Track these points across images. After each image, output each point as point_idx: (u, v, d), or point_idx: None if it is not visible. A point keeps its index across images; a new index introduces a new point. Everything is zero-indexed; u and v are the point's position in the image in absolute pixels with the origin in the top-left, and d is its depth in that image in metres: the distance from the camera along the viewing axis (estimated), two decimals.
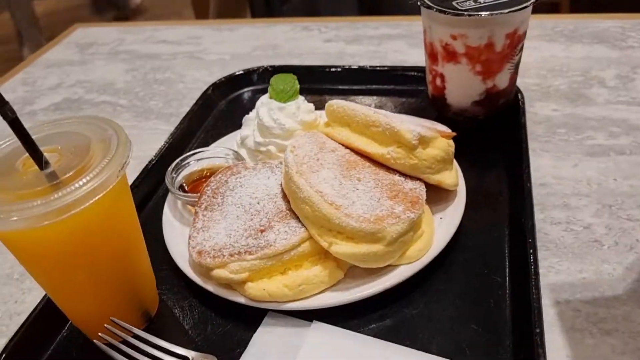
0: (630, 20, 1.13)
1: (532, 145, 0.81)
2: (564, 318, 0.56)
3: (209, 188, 0.68)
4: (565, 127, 0.85)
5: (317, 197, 0.58)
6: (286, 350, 0.56)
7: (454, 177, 0.67)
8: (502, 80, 0.78)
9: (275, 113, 0.74)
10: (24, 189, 0.47)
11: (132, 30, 1.46)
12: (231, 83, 1.03)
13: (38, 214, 0.45)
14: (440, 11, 0.72)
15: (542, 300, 0.58)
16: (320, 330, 0.57)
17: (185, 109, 0.99)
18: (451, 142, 0.68)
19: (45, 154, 0.49)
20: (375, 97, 0.98)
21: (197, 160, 0.77)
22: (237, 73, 1.04)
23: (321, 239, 0.58)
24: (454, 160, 0.72)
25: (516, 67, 0.79)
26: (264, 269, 0.58)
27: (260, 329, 0.58)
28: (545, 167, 0.77)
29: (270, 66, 1.04)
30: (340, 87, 1.00)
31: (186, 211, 0.73)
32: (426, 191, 0.65)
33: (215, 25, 1.42)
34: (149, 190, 0.81)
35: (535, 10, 0.75)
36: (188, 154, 0.77)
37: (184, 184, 0.75)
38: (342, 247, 0.57)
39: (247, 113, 0.80)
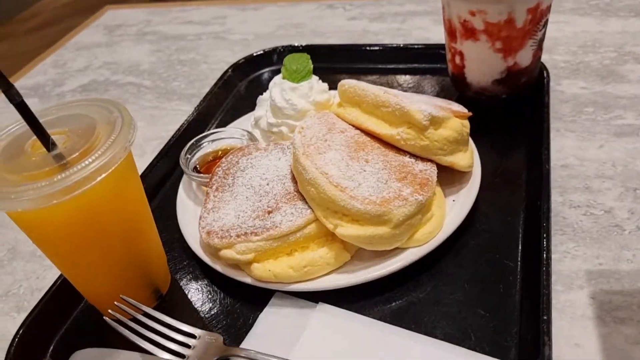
0: None
1: (557, 125, 0.78)
2: (576, 305, 0.54)
3: (220, 169, 0.69)
4: (593, 106, 0.81)
5: (322, 179, 0.57)
6: (291, 331, 0.56)
7: (468, 158, 0.65)
8: (524, 58, 0.75)
9: (288, 93, 0.73)
10: (33, 170, 0.49)
11: (160, 12, 1.47)
12: (251, 63, 1.03)
13: (46, 194, 0.47)
14: None
15: (555, 286, 0.56)
16: (325, 312, 0.57)
17: (207, 89, 0.99)
18: (466, 123, 0.66)
19: (52, 136, 0.51)
20: (395, 76, 0.96)
21: (213, 141, 0.78)
22: (255, 54, 1.03)
23: (327, 221, 0.58)
24: (471, 141, 0.70)
25: (539, 43, 0.75)
26: (269, 250, 0.58)
27: (266, 309, 0.59)
28: (569, 147, 0.74)
29: (290, 45, 1.03)
30: (359, 66, 0.99)
31: (200, 192, 0.74)
32: (439, 173, 0.64)
33: (240, 4, 1.41)
34: (167, 171, 0.82)
35: None
36: (203, 134, 0.78)
37: (198, 165, 0.75)
38: (347, 230, 0.57)
39: None
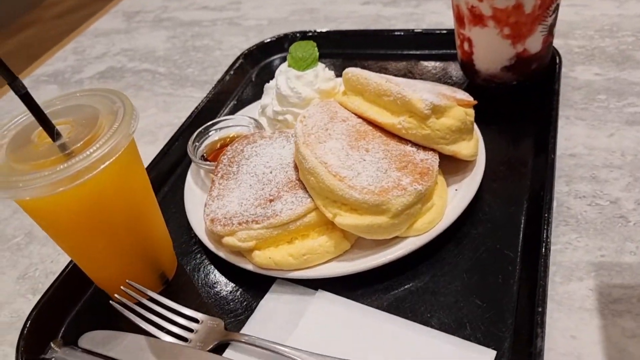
0: None
1: (567, 113, 0.76)
2: (574, 297, 0.54)
3: (225, 157, 0.70)
4: (606, 93, 0.79)
5: (321, 168, 0.57)
6: (290, 317, 0.57)
7: (471, 147, 0.65)
8: (533, 44, 0.73)
9: (293, 81, 0.73)
10: (39, 159, 0.50)
11: None
12: (262, 50, 1.03)
13: (52, 182, 0.48)
14: None
15: (554, 277, 0.56)
16: (324, 299, 0.58)
17: (219, 76, 1.00)
18: (470, 111, 0.66)
19: (57, 127, 0.52)
20: (408, 62, 0.95)
21: (220, 129, 0.79)
22: (266, 40, 1.03)
23: (326, 210, 0.58)
24: (477, 130, 0.70)
25: (550, 29, 0.74)
26: (270, 237, 0.59)
27: (267, 296, 0.60)
28: (578, 136, 0.72)
29: (302, 32, 1.03)
30: (371, 52, 0.98)
31: (207, 179, 0.75)
32: (443, 162, 0.64)
33: None
34: (177, 158, 0.84)
35: None
36: (210, 122, 0.79)
37: (205, 153, 0.77)
38: (346, 219, 0.57)
39: None
